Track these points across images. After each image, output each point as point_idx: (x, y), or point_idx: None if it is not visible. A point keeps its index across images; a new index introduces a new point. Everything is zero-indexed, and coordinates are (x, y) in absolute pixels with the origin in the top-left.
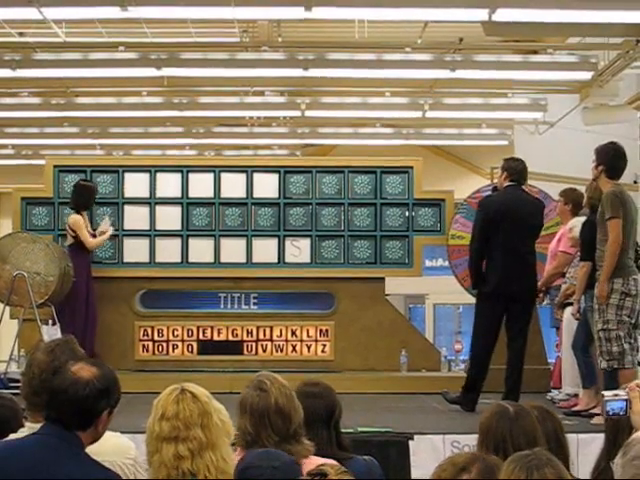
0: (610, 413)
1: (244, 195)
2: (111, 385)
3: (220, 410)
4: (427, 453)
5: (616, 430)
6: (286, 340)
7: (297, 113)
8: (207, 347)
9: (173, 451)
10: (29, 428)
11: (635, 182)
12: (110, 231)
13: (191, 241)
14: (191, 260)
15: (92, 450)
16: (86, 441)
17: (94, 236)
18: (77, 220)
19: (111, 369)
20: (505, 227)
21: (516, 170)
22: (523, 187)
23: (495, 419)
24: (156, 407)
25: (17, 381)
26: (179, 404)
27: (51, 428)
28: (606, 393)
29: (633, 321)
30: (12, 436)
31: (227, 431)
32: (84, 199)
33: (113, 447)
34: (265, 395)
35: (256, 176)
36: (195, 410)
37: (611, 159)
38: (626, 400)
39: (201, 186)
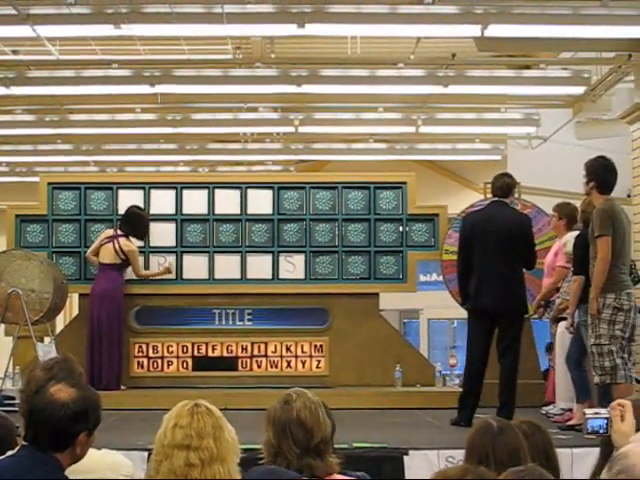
0: (590, 431)
1: (238, 211)
2: (89, 408)
3: (231, 429)
4: (422, 468)
5: (611, 445)
6: (281, 356)
7: (291, 129)
8: (202, 363)
9: (184, 458)
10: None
11: (628, 196)
12: (165, 271)
13: (185, 257)
14: (185, 276)
15: (88, 467)
16: (64, 462)
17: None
18: (134, 251)
19: (93, 391)
20: (481, 244)
21: (496, 186)
22: (507, 202)
23: (479, 435)
24: (168, 418)
25: (12, 398)
26: (193, 416)
27: (27, 450)
28: (587, 411)
29: (627, 335)
30: (9, 454)
31: (235, 450)
32: (135, 229)
33: (109, 464)
34: (288, 408)
35: (250, 192)
36: (209, 422)
37: (601, 174)
38: (607, 419)
39: (195, 202)
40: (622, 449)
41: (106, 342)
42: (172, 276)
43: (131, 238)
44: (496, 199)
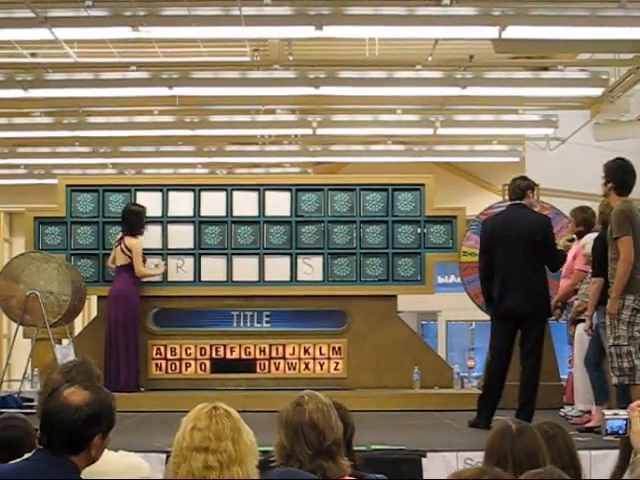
0: (609, 432)
1: (256, 213)
2: (103, 410)
3: (249, 432)
4: (440, 470)
5: (630, 446)
6: (299, 358)
7: (308, 131)
8: (220, 365)
9: (203, 461)
10: None
11: None
12: (160, 270)
13: (203, 259)
14: (204, 279)
15: (105, 469)
16: (80, 465)
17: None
18: (135, 245)
19: (107, 393)
20: (503, 247)
21: (510, 190)
22: (525, 204)
23: (498, 436)
24: (186, 421)
25: (31, 400)
26: (212, 418)
27: (42, 453)
28: (606, 412)
29: None
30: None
31: (254, 452)
32: (132, 226)
33: (126, 466)
34: (300, 409)
35: (268, 194)
36: (227, 424)
37: (620, 175)
38: (626, 419)
39: (213, 205)
40: None
41: (123, 344)
42: (190, 278)
43: (139, 237)
44: (514, 202)
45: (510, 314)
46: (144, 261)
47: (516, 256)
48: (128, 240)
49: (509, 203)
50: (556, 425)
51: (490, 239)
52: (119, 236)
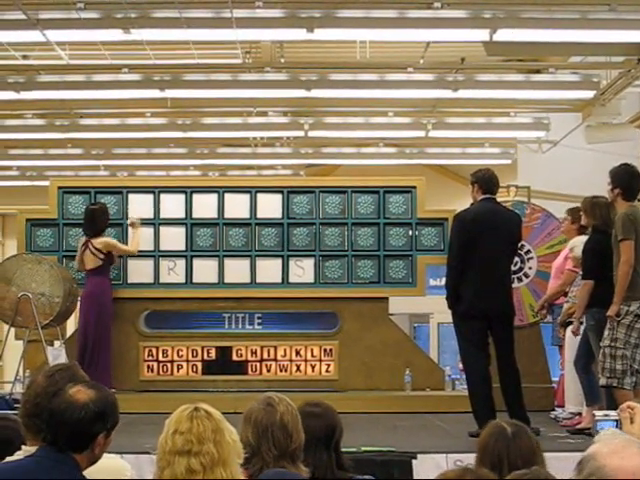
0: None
1: (248, 215)
2: (108, 408)
3: (232, 431)
4: (430, 472)
5: None
6: (290, 360)
7: (300, 133)
8: (211, 367)
9: (185, 465)
10: (24, 451)
11: (638, 200)
12: (138, 229)
13: (195, 261)
14: (195, 280)
15: (87, 472)
16: (83, 463)
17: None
18: (107, 241)
19: (110, 392)
20: (483, 241)
21: (486, 179)
22: (497, 199)
23: (493, 439)
24: (169, 424)
25: None
26: (193, 420)
27: (46, 451)
28: (597, 413)
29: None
30: (8, 459)
31: (237, 451)
32: (96, 226)
33: (106, 469)
34: (272, 410)
35: (260, 196)
36: (209, 426)
37: (626, 181)
38: (617, 421)
39: (205, 207)
40: (588, 450)
41: (96, 347)
42: (181, 280)
43: (104, 237)
44: (487, 196)
45: (486, 315)
46: (112, 262)
47: (496, 253)
48: (97, 242)
49: (481, 197)
50: (520, 427)
51: (471, 231)
52: (84, 240)
